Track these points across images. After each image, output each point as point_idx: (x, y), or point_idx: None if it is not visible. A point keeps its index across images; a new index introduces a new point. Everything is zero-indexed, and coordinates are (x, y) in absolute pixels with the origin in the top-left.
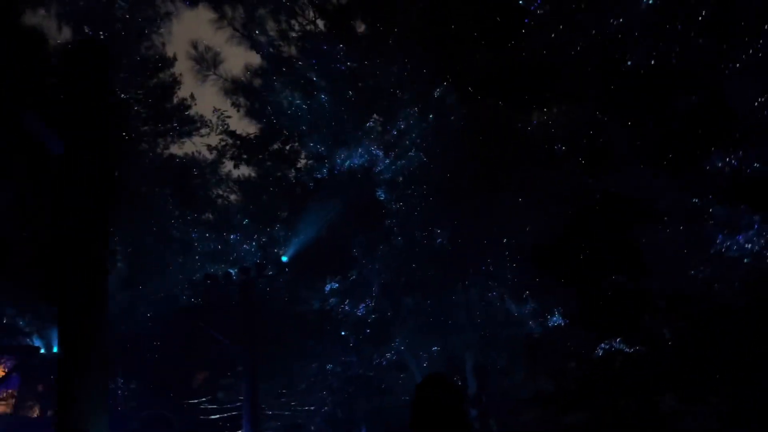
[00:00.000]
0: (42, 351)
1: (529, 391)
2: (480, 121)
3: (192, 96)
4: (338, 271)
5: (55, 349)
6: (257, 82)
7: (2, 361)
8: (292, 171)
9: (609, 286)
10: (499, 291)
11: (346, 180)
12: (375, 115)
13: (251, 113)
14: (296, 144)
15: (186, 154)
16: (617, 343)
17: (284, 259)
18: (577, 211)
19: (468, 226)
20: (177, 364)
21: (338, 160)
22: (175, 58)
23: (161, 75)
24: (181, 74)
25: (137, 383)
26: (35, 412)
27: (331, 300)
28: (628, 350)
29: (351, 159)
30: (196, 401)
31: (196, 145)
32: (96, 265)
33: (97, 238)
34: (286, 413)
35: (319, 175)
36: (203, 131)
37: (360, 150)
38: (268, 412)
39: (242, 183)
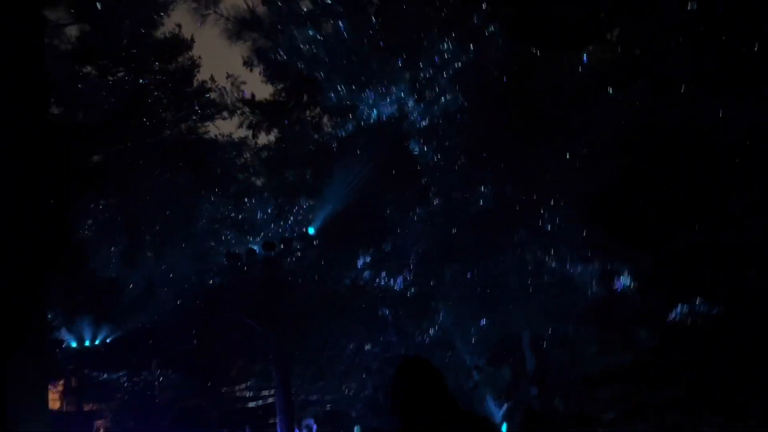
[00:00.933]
0: (73, 344)
1: (598, 366)
2: (527, 55)
3: (212, 78)
4: (371, 243)
5: (87, 343)
6: (264, 15)
7: None
8: (315, 135)
9: (685, 240)
10: (557, 253)
11: (375, 135)
12: (403, 51)
13: (260, 55)
14: (317, 99)
15: (208, 137)
16: (697, 305)
17: (311, 231)
18: (644, 156)
19: (516, 181)
20: (212, 351)
21: (364, 111)
22: (192, 40)
23: (179, 59)
24: (200, 57)
25: (173, 373)
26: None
27: (365, 274)
28: (709, 313)
29: (378, 107)
30: (232, 390)
31: (218, 128)
32: (28, 261)
33: (27, 233)
34: (324, 399)
35: (343, 133)
36: (224, 114)
37: (388, 96)
38: (303, 398)
39: (263, 152)
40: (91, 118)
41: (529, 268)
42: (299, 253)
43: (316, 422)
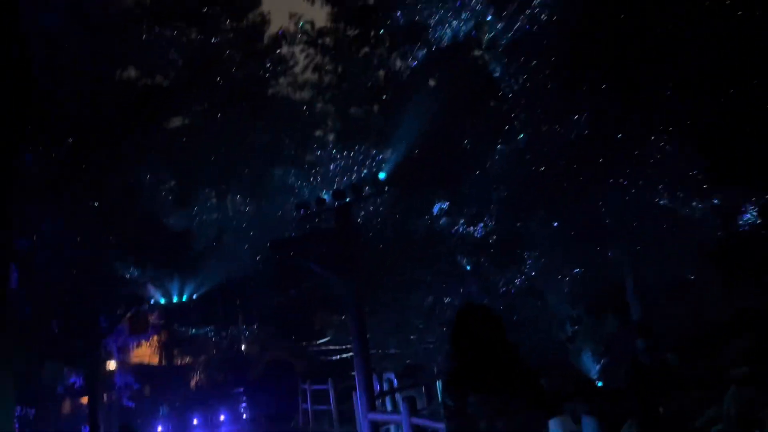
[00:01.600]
0: (162, 301)
1: (722, 314)
2: None
3: (283, 35)
4: (448, 186)
5: (174, 299)
6: None
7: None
8: (380, 71)
9: None
10: (666, 188)
11: (449, 60)
12: None
13: None
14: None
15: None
16: None
17: (382, 176)
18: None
19: (616, 105)
20: (294, 304)
21: (436, 32)
22: None
23: (249, 15)
24: (269, 12)
25: (259, 327)
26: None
27: (442, 221)
28: None
29: (452, 24)
30: (315, 344)
31: (291, 87)
32: None
33: None
34: (404, 353)
35: (414, 63)
36: (296, 69)
37: (463, 10)
38: (382, 352)
39: (327, 93)
40: (167, 80)
41: (634, 207)
42: (370, 200)
43: (396, 376)
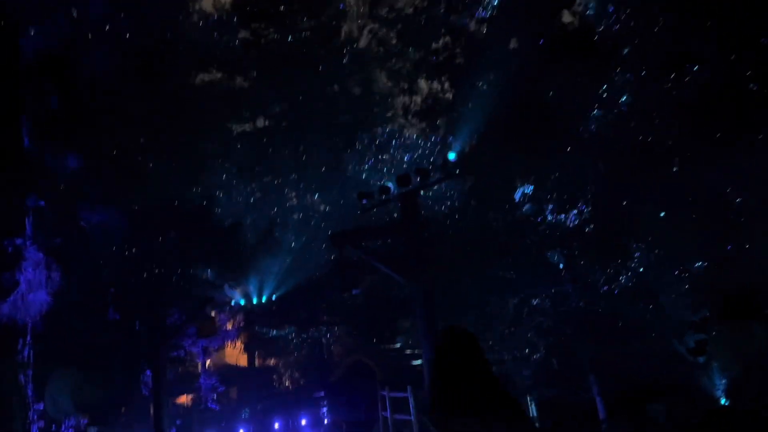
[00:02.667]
0: (242, 302)
1: None
2: None
3: (359, 28)
4: (532, 164)
5: (254, 300)
6: None
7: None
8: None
9: None
10: None
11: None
12: None
13: None
14: None
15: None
16: None
17: (452, 157)
18: None
19: (750, 47)
20: (371, 306)
21: None
22: None
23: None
24: (344, 6)
25: (340, 329)
26: (259, 361)
27: (526, 208)
28: None
29: None
30: (396, 347)
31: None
32: None
33: None
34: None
35: (485, 13)
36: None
37: None
38: None
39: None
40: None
41: None
42: (440, 186)
43: None
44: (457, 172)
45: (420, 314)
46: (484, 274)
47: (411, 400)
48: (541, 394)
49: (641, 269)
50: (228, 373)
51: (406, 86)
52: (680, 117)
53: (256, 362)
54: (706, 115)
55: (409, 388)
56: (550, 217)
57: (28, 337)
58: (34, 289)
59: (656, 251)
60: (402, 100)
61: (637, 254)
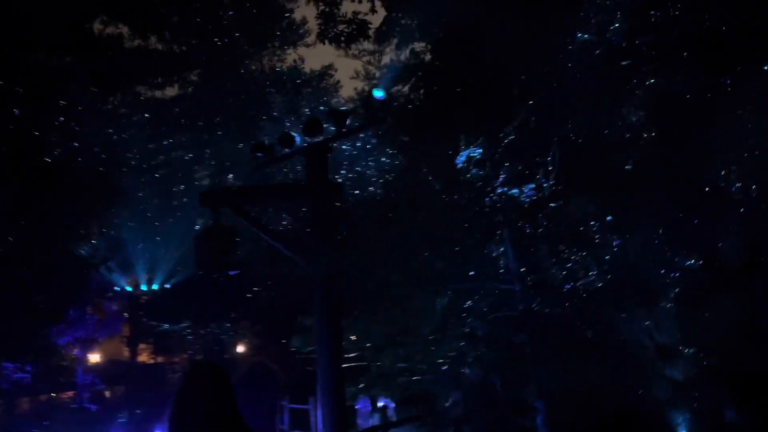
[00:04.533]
0: (128, 288)
1: None
2: None
3: None
4: (482, 119)
5: (143, 287)
6: None
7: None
8: None
9: None
10: None
11: None
12: None
13: None
14: None
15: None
16: None
17: (379, 95)
18: None
19: None
20: (273, 302)
21: None
22: None
23: None
24: None
25: (243, 326)
26: (146, 358)
27: (472, 172)
28: None
29: None
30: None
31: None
32: None
33: None
34: (407, 372)
35: None
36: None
37: None
38: (377, 368)
39: None
40: None
41: None
42: (359, 136)
43: (395, 405)
44: (385, 118)
45: (319, 306)
46: (408, 258)
47: (312, 415)
48: (475, 426)
49: (625, 256)
50: (108, 369)
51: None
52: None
53: (140, 359)
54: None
55: (311, 399)
56: (503, 190)
57: None
58: None
59: (658, 234)
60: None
61: (616, 242)
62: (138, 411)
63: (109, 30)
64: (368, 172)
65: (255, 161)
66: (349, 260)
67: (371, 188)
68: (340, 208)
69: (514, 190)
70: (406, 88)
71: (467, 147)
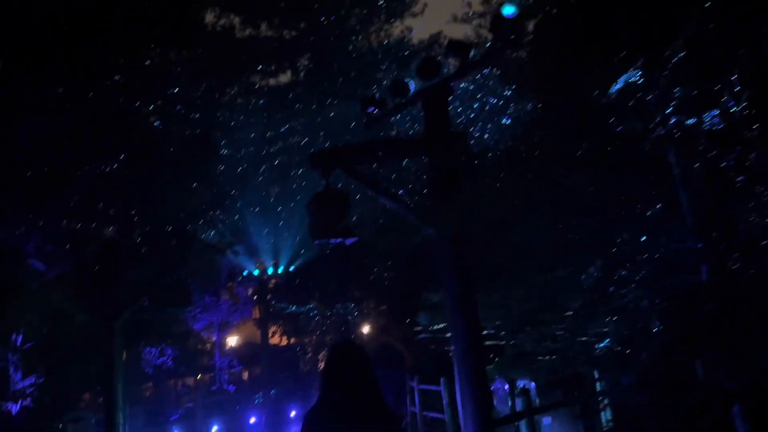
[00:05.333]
0: (255, 273)
1: None
2: None
3: None
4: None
5: (270, 270)
6: None
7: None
8: None
9: None
10: None
11: None
12: None
13: None
14: None
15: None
16: None
17: (509, 11)
18: None
19: None
20: (394, 279)
21: None
22: None
23: None
24: None
25: (369, 306)
26: (278, 339)
27: (630, 104)
28: None
29: None
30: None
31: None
32: None
33: None
34: (541, 353)
35: None
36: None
37: None
38: (511, 344)
39: None
40: None
41: None
42: (486, 72)
43: (537, 387)
44: (517, 38)
45: (447, 276)
46: (551, 222)
47: (444, 396)
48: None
49: None
50: (243, 351)
51: None
52: None
53: (272, 341)
54: None
55: (442, 380)
56: (674, 120)
57: None
58: None
59: None
60: None
61: None
62: (273, 391)
63: (222, 21)
64: (488, 122)
65: (366, 118)
66: (477, 223)
67: (493, 137)
68: (466, 160)
69: (690, 120)
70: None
71: (623, 72)
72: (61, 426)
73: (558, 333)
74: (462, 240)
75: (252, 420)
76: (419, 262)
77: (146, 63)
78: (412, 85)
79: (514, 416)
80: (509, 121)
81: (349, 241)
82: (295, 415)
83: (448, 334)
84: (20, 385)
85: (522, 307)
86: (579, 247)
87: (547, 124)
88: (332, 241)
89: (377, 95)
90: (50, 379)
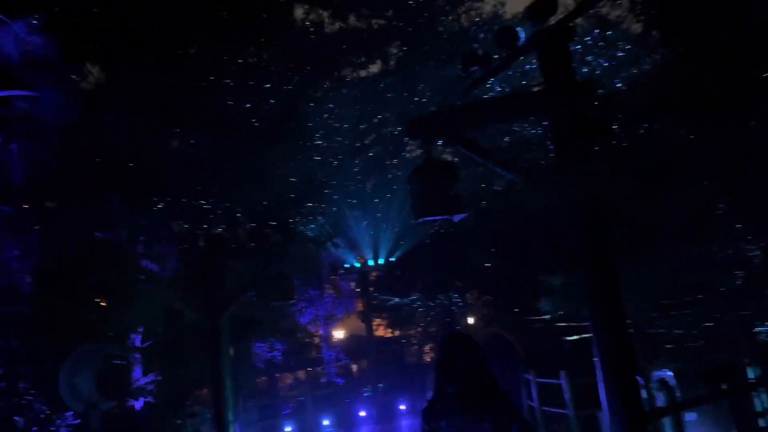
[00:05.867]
0: (356, 265)
1: None
2: None
3: None
4: None
5: (370, 262)
6: None
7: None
8: None
9: None
10: None
11: None
12: None
13: None
14: None
15: None
16: None
17: None
18: None
19: None
20: (501, 265)
21: None
22: None
23: None
24: None
25: (476, 295)
26: (383, 332)
27: None
28: None
29: None
30: (543, 318)
31: None
32: None
33: None
34: (686, 340)
35: None
36: None
37: None
38: (649, 334)
39: None
40: None
41: None
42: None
43: (678, 380)
44: None
45: (583, 255)
46: (701, 187)
47: (566, 390)
48: None
49: None
50: (350, 344)
51: None
52: None
53: (377, 333)
54: None
55: (563, 373)
56: None
57: None
58: None
59: None
60: None
61: None
62: (380, 384)
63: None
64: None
65: (469, 79)
66: (620, 184)
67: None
68: (595, 114)
69: None
70: None
71: None
72: (179, 422)
73: (715, 315)
74: (600, 206)
75: (362, 413)
76: (531, 243)
77: (239, 61)
78: (522, 35)
79: (661, 411)
80: (647, 67)
81: (457, 218)
82: (405, 409)
83: (565, 323)
84: (141, 382)
85: (663, 287)
86: (746, 214)
87: (685, 69)
88: (438, 218)
89: (480, 52)
90: (167, 376)
